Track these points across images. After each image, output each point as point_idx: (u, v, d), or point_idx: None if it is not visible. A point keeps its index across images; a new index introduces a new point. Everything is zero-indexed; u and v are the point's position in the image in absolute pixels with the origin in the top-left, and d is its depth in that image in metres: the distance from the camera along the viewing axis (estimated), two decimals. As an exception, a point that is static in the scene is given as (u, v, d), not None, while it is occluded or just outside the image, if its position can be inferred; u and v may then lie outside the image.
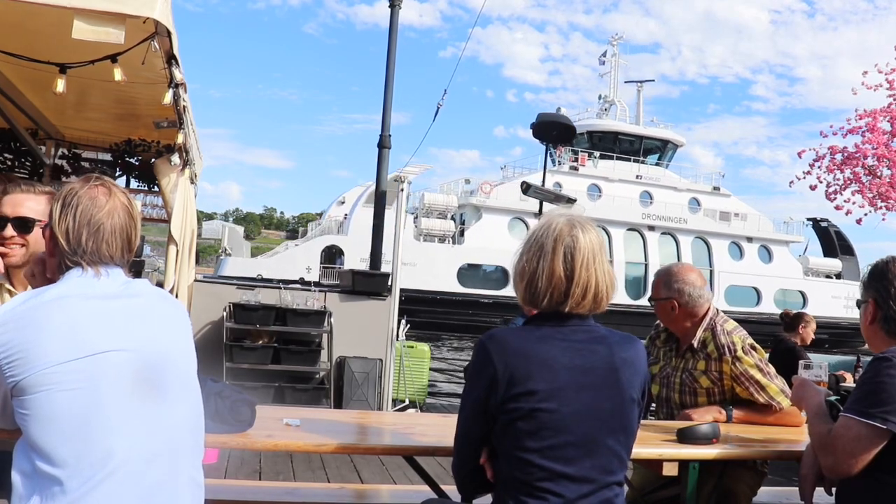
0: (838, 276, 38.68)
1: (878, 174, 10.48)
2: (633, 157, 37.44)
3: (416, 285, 27.50)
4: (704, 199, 37.94)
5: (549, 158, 9.45)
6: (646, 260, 35.07)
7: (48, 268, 1.71)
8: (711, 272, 35.13)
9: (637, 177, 36.72)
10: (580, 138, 36.16)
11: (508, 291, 26.86)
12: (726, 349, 2.81)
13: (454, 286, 31.69)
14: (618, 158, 36.35)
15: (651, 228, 36.01)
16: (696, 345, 2.88)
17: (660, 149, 38.91)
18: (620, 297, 31.89)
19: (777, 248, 38.16)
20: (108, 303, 1.60)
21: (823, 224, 39.89)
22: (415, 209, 34.31)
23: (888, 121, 10.46)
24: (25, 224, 2.29)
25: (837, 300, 36.06)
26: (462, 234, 33.74)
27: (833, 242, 39.83)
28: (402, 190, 7.07)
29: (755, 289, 36.39)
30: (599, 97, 41.79)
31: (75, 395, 1.47)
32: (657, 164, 38.52)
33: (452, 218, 34.85)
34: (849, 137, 10.78)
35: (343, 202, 35.95)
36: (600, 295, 1.78)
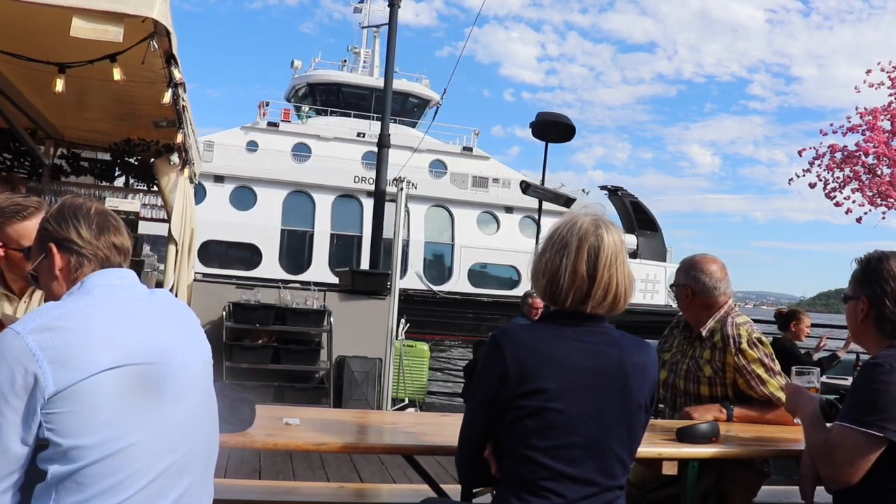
0: (634, 254, 29.55)
1: (878, 173, 10.48)
2: (354, 113, 30.44)
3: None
4: (452, 162, 30.48)
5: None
6: (360, 231, 27.76)
7: (58, 281, 1.62)
8: (452, 247, 28.39)
9: (359, 134, 29.63)
10: (301, 92, 30.64)
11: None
12: (731, 340, 2.86)
13: None
14: (332, 113, 29.58)
15: (370, 194, 29.08)
16: (704, 333, 2.95)
17: (400, 105, 31.43)
18: (328, 276, 25.63)
19: (549, 221, 30.29)
20: (140, 307, 1.58)
21: (619, 193, 32.14)
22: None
23: (888, 119, 10.46)
24: None
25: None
26: None
27: (630, 215, 31.43)
28: (402, 189, 7.05)
29: (514, 268, 28.17)
30: (348, 49, 34.87)
31: (113, 403, 1.41)
32: (399, 122, 30.61)
33: None
34: (849, 136, 10.79)
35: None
36: (620, 296, 1.79)
